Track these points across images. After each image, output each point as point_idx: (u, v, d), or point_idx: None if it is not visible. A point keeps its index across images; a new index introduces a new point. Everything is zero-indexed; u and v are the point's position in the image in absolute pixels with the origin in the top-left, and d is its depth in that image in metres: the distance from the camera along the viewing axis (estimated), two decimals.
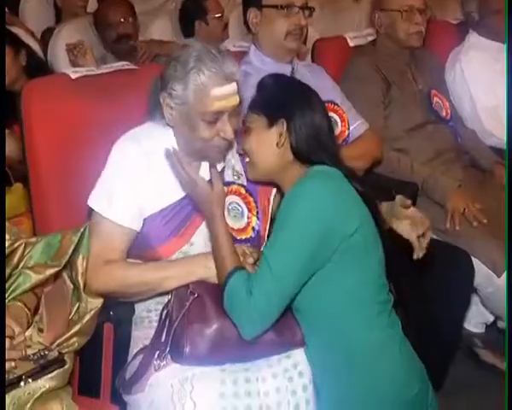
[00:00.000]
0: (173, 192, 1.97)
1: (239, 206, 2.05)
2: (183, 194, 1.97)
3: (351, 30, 4.12)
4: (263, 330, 1.80)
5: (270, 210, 2.13)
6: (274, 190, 2.13)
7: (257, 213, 2.09)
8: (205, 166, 2.01)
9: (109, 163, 1.96)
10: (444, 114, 3.22)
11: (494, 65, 3.37)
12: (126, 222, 1.93)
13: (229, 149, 2.04)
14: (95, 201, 1.95)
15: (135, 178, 1.93)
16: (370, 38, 3.30)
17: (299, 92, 1.97)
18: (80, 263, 1.85)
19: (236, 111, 1.91)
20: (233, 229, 2.01)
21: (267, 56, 2.68)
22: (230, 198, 2.04)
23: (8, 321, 1.67)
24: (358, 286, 1.85)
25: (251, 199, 2.09)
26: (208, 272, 1.89)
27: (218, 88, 1.84)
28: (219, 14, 4.09)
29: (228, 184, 2.05)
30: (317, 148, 1.91)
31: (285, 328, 1.86)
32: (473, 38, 3.50)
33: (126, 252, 1.96)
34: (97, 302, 1.84)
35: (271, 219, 2.10)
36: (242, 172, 2.11)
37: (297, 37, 2.64)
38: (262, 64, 2.63)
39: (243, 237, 2.04)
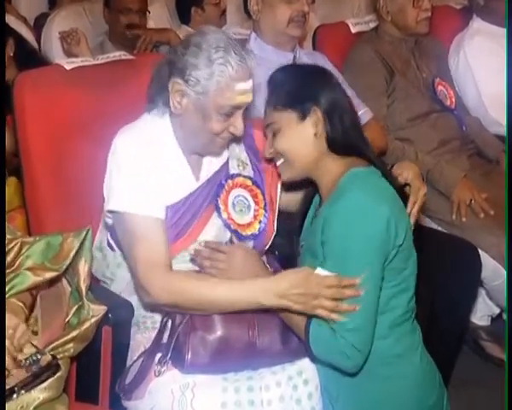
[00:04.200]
0: (177, 191, 1.89)
1: (245, 200, 1.98)
2: (187, 192, 1.91)
3: (350, 16, 4.08)
4: (365, 356, 1.71)
5: (278, 201, 2.06)
6: (280, 180, 2.03)
7: (264, 205, 2.01)
8: (206, 164, 1.95)
9: (120, 164, 1.84)
10: (448, 102, 3.17)
11: (499, 51, 3.30)
12: (160, 213, 1.83)
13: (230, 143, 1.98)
14: (122, 204, 1.81)
15: (145, 173, 1.83)
16: (372, 25, 3.24)
17: (323, 77, 1.89)
18: (82, 268, 1.79)
19: (246, 107, 1.86)
20: (238, 224, 1.95)
21: (268, 44, 2.63)
22: (236, 192, 1.97)
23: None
24: (398, 293, 1.78)
25: (258, 191, 2.01)
26: (271, 300, 1.73)
27: (242, 83, 1.80)
28: (216, 1, 4.01)
29: (232, 176, 1.98)
30: (350, 134, 1.82)
31: (291, 337, 1.80)
32: (477, 23, 3.45)
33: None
34: (100, 309, 1.77)
35: (279, 211, 2.05)
36: (248, 162, 2.04)
37: (300, 24, 2.59)
38: (263, 52, 2.56)
39: (249, 233, 1.97)
